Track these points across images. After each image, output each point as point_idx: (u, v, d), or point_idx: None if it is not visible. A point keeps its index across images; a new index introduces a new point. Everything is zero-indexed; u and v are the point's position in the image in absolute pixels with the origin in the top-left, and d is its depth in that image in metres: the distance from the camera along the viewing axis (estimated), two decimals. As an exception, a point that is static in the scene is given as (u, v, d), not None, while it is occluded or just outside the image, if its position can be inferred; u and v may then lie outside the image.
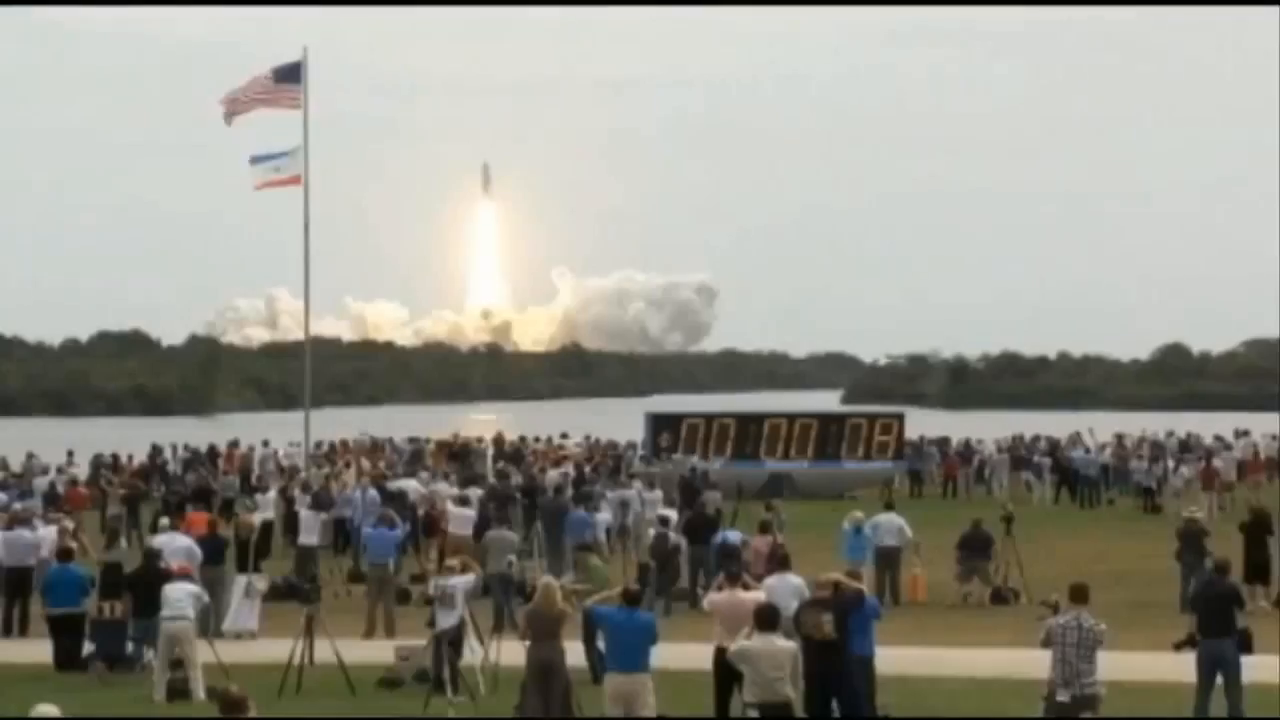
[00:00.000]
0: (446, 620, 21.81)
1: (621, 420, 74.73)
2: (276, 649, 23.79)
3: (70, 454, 52.90)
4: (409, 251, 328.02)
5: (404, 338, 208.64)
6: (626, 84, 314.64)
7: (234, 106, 40.55)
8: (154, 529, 32.80)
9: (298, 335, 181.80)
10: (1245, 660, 20.01)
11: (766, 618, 16.82)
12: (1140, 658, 23.33)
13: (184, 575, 24.65)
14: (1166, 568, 31.65)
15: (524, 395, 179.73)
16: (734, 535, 32.39)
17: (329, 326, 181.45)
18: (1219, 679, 19.65)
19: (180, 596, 23.04)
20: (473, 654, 22.72)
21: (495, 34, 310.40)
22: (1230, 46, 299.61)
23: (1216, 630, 19.82)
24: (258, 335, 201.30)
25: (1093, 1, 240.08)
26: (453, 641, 21.70)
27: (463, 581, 22.25)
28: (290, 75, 40.81)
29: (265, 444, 59.02)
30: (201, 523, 31.55)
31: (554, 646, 19.30)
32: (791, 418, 58.75)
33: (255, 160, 41.24)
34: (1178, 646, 20.09)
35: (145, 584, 24.43)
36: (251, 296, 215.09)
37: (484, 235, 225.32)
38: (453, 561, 24.23)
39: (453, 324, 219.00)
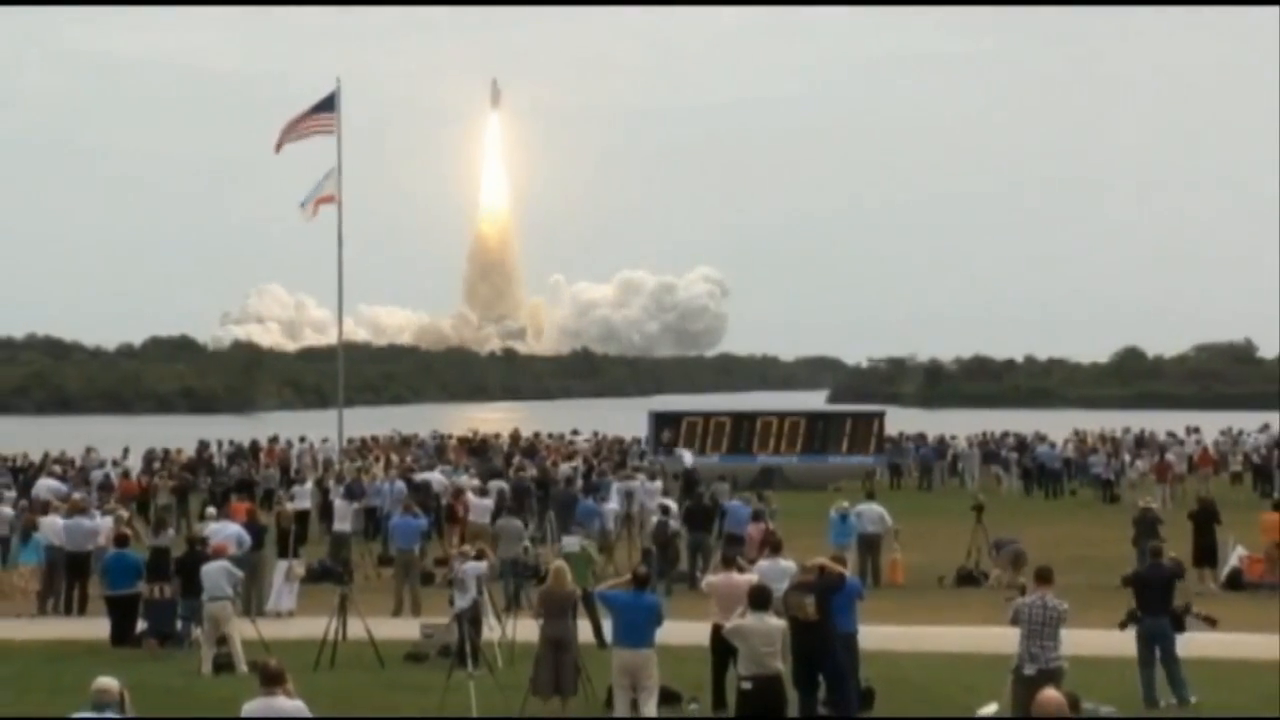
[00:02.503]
0: (462, 601, 21.87)
1: (626, 418, 74.71)
2: (313, 626, 23.81)
3: (125, 449, 52.99)
4: (420, 258, 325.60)
5: (420, 341, 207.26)
6: (633, 111, 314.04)
7: (283, 138, 40.85)
8: (201, 517, 32.82)
9: (316, 339, 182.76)
10: (1180, 637, 20.05)
11: (759, 598, 16.83)
12: (1099, 635, 23.31)
13: (219, 554, 24.62)
14: (1123, 553, 31.69)
15: (536, 395, 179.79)
16: (742, 510, 32.63)
17: (346, 330, 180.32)
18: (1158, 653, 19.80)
19: (214, 575, 23.04)
20: (491, 631, 22.76)
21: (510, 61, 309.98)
22: (1194, 60, 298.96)
23: (1155, 609, 19.90)
24: (266, 331, 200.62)
25: (1058, 1, 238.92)
26: (472, 620, 21.73)
27: (473, 567, 22.27)
28: (326, 104, 41.05)
29: (302, 439, 59.05)
30: (243, 511, 31.60)
31: (565, 624, 19.34)
32: (781, 416, 58.72)
33: (303, 204, 41.52)
34: (1122, 625, 20.12)
35: (191, 567, 24.50)
36: (280, 299, 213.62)
37: (491, 243, 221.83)
38: (466, 548, 24.31)
39: (461, 318, 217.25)
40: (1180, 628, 20.02)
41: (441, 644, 22.65)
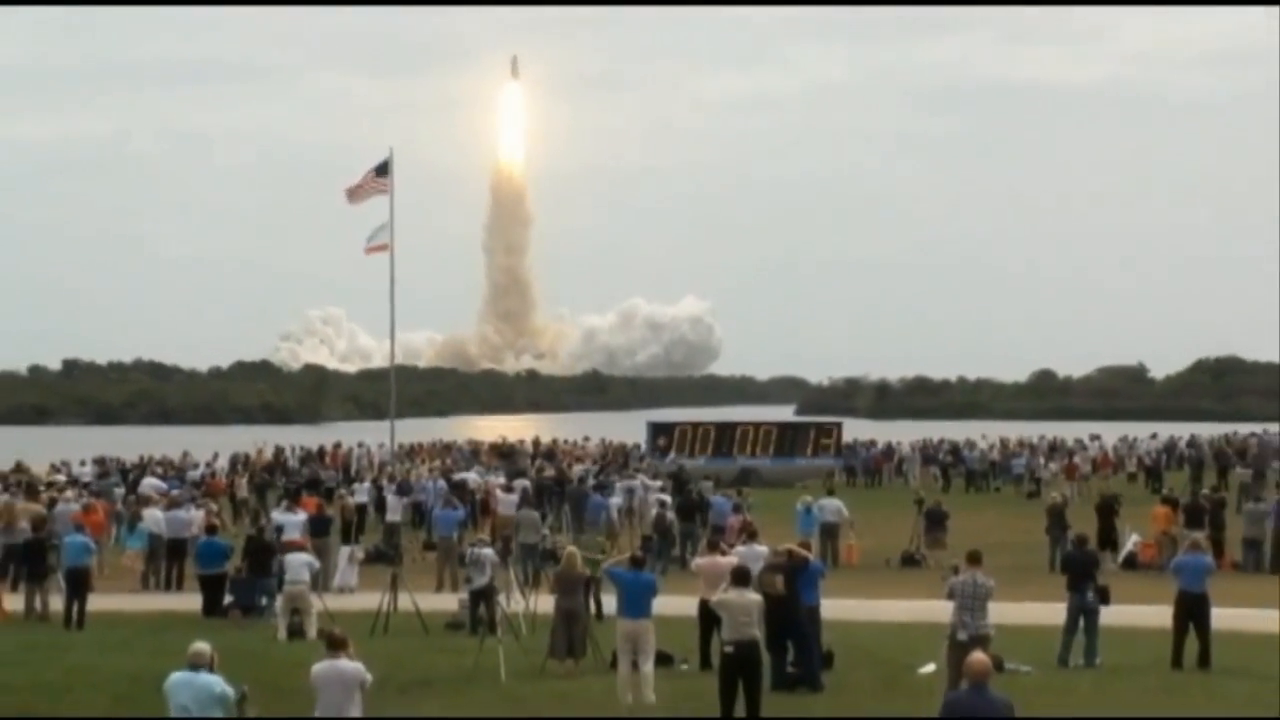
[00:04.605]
0: (479, 580, 21.88)
1: (629, 427, 74.62)
2: (369, 600, 23.80)
3: (215, 454, 52.93)
4: (448, 288, 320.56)
5: (445, 359, 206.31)
6: (632, 170, 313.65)
7: (355, 194, 41.16)
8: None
9: (363, 363, 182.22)
10: (1103, 609, 20.07)
11: (740, 576, 16.79)
12: (1019, 607, 23.40)
13: (299, 547, 24.63)
14: (1039, 540, 31.68)
15: (555, 409, 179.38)
16: (724, 504, 32.59)
17: (385, 353, 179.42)
18: (1081, 624, 19.78)
19: (298, 565, 23.02)
20: (516, 604, 22.76)
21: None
22: (1104, 117, 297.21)
23: (1081, 586, 19.88)
24: (330, 352, 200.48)
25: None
26: (485, 595, 21.71)
27: (487, 553, 22.26)
28: (383, 169, 41.34)
29: (361, 445, 59.03)
30: (312, 505, 31.57)
31: (576, 599, 19.36)
32: (757, 425, 58.68)
33: (369, 239, 41.75)
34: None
35: (260, 551, 24.86)
36: (335, 323, 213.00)
37: (512, 278, 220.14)
38: (483, 535, 24.33)
39: (483, 338, 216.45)
40: (1106, 600, 20.04)
41: (475, 616, 22.58)
